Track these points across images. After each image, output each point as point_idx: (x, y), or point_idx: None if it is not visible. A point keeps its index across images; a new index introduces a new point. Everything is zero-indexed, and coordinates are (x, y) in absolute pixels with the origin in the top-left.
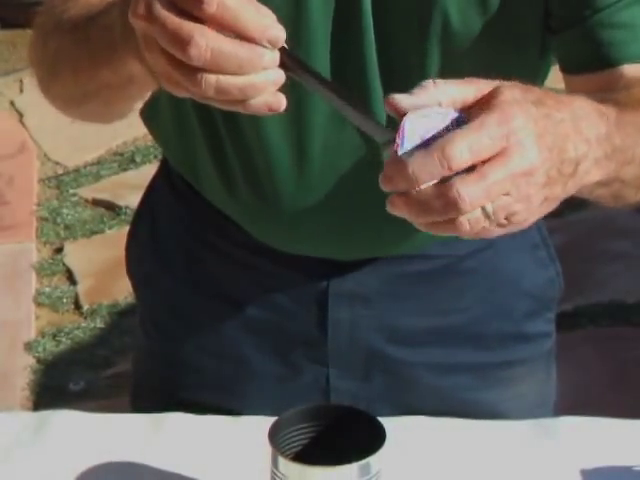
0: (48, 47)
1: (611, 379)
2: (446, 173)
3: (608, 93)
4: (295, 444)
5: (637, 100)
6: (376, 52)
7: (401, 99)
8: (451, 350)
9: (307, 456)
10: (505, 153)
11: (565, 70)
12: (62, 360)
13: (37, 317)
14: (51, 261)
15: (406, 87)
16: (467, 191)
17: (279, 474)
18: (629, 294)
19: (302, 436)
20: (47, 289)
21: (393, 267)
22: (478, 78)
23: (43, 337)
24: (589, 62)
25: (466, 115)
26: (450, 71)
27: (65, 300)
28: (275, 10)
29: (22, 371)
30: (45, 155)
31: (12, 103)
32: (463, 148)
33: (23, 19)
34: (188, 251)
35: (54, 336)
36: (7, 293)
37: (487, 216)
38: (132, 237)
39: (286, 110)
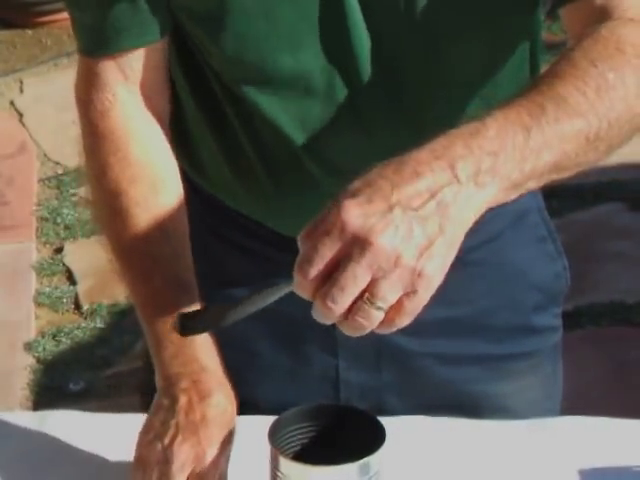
0: (105, 203)
1: (611, 379)
2: (306, 284)
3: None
4: (295, 444)
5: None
6: (366, 27)
7: None
8: (459, 342)
9: (307, 456)
10: (350, 255)
11: (554, 5)
12: (62, 360)
13: (37, 317)
14: (51, 261)
15: (394, 61)
16: (329, 297)
17: (279, 474)
18: (629, 294)
19: (302, 436)
20: (47, 289)
21: None
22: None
23: (43, 337)
24: None
25: None
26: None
27: (65, 300)
28: None
29: (22, 371)
30: (45, 155)
31: (12, 103)
32: (303, 263)
33: (23, 19)
34: (198, 242)
35: (54, 336)
36: (7, 293)
37: (377, 308)
38: None
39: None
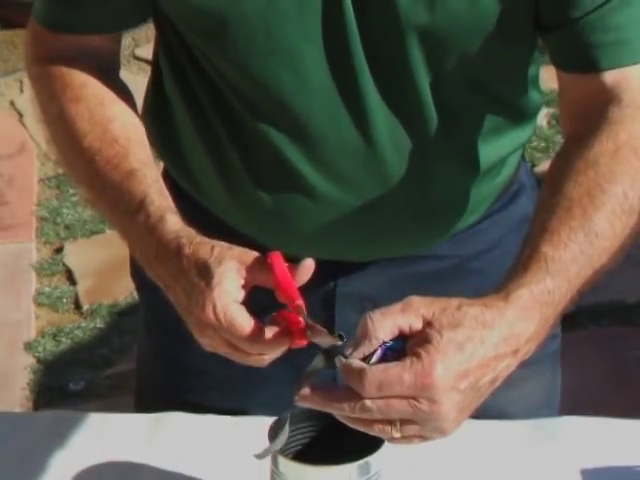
0: (56, 134)
1: (611, 379)
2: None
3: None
4: (295, 444)
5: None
6: (361, 44)
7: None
8: None
9: (307, 456)
10: (416, 400)
11: (555, 66)
12: (62, 360)
13: (37, 317)
14: (51, 261)
15: (395, 79)
16: (370, 408)
17: (279, 473)
18: (629, 294)
19: (302, 436)
20: (47, 289)
21: (401, 268)
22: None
23: (43, 337)
24: (577, 63)
25: (403, 342)
26: (435, 62)
27: (65, 300)
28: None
29: (22, 371)
30: (45, 155)
31: (12, 103)
32: (372, 385)
33: (23, 19)
34: None
35: (54, 336)
36: (7, 293)
37: (396, 430)
38: None
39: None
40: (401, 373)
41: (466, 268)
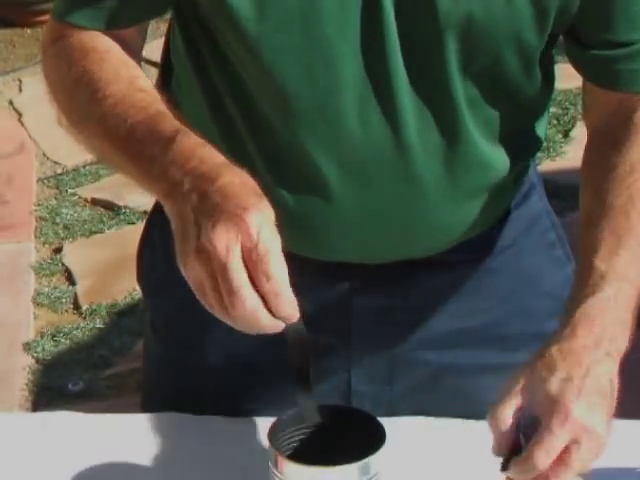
0: (74, 96)
1: None
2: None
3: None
4: (295, 444)
5: None
6: (399, 44)
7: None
8: (475, 352)
9: (307, 456)
10: (575, 443)
11: (586, 78)
12: (61, 360)
13: (36, 317)
14: (50, 261)
15: (430, 80)
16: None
17: (279, 474)
18: None
19: (302, 436)
20: (46, 289)
21: (418, 269)
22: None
23: (42, 337)
24: (620, 83)
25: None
26: (469, 61)
27: (64, 300)
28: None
29: (21, 371)
30: (44, 155)
31: (11, 102)
32: (543, 457)
33: (22, 18)
34: None
35: (53, 336)
36: (6, 293)
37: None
38: (144, 244)
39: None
40: (547, 425)
41: (482, 267)
